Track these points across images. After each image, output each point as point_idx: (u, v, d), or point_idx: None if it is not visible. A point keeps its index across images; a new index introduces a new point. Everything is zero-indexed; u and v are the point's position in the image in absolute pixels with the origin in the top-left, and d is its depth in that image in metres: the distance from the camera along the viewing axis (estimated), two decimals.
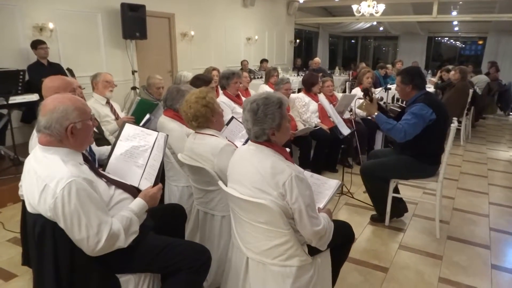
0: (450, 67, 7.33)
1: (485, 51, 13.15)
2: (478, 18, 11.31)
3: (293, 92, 5.06)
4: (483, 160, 5.24)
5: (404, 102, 3.20)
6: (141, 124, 3.02)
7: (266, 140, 1.67)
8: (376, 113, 2.96)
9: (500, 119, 8.47)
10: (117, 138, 1.91)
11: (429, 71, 10.93)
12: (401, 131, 2.77)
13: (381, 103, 3.32)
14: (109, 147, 2.14)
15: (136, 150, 1.83)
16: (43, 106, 1.48)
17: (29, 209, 1.50)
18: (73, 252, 1.45)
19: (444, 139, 2.92)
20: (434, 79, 7.66)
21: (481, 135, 6.83)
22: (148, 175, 1.76)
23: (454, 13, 11.97)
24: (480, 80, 7.31)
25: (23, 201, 1.66)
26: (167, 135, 1.80)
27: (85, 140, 1.57)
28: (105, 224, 1.44)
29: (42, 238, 1.46)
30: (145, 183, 1.76)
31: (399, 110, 3.10)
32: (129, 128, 1.90)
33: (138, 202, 1.63)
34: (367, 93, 3.03)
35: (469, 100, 5.90)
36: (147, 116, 3.02)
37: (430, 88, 6.86)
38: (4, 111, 4.06)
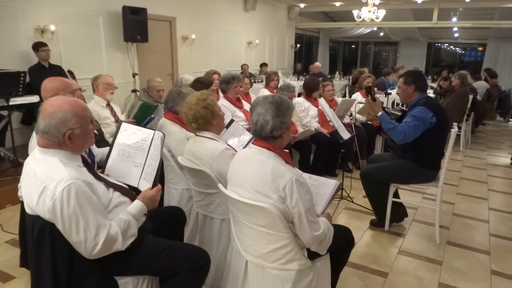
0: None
1: (485, 58, 13.20)
2: (477, 24, 11.36)
3: (294, 97, 5.06)
4: (482, 165, 5.24)
5: (405, 106, 3.20)
6: (143, 123, 3.03)
7: (279, 136, 1.67)
8: (380, 112, 2.96)
9: (499, 125, 8.48)
10: (114, 138, 1.90)
11: (429, 77, 10.95)
12: (401, 133, 2.77)
13: None
14: None
15: (134, 149, 1.82)
16: (43, 109, 1.47)
17: (27, 210, 1.49)
18: (71, 254, 1.45)
19: (444, 143, 2.92)
20: (435, 85, 7.67)
21: (480, 141, 6.83)
22: (146, 175, 1.75)
23: (454, 19, 12.04)
24: (480, 86, 7.33)
25: (22, 203, 1.66)
26: (164, 134, 1.79)
27: (84, 144, 1.57)
28: (103, 227, 1.43)
29: (41, 240, 1.45)
30: (144, 183, 1.75)
31: (400, 114, 3.11)
32: (125, 128, 1.90)
33: (136, 205, 1.62)
34: (369, 91, 3.03)
35: (469, 106, 5.92)
36: (150, 116, 3.05)
37: (429, 94, 6.87)
38: (5, 113, 4.06)
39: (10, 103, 3.75)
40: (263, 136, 1.68)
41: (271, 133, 1.65)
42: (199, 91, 2.33)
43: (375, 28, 13.98)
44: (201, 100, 2.16)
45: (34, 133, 1.99)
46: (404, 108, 3.22)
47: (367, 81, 5.08)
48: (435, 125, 2.75)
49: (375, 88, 4.71)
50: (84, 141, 1.55)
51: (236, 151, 2.05)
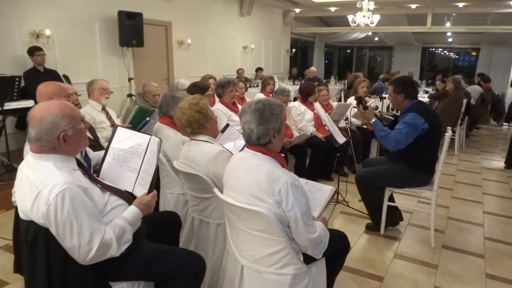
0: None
1: (478, 62, 13.32)
2: (471, 29, 11.49)
3: (289, 101, 5.08)
4: (477, 169, 5.28)
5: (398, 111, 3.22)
6: (139, 126, 3.03)
7: (268, 142, 1.67)
8: (373, 120, 2.98)
9: (493, 129, 8.56)
10: (109, 142, 1.88)
11: (423, 81, 11.04)
12: (394, 140, 2.79)
13: (377, 112, 3.35)
14: None
15: (129, 154, 1.81)
16: (32, 117, 1.44)
17: (21, 215, 1.48)
18: (65, 260, 1.44)
19: (437, 148, 2.94)
20: (430, 90, 7.73)
21: (475, 145, 6.88)
22: (142, 180, 1.74)
23: (448, 24, 12.17)
24: (473, 90, 7.41)
25: (16, 208, 1.65)
26: (161, 140, 1.78)
27: (79, 144, 1.56)
28: (97, 232, 1.42)
29: (35, 245, 1.44)
30: (139, 189, 1.74)
31: (393, 118, 3.13)
32: (121, 132, 1.88)
33: (132, 210, 1.61)
34: (360, 101, 3.05)
35: (463, 110, 5.97)
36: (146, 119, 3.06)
37: (424, 98, 6.93)
38: None
39: (5, 108, 3.74)
40: (252, 143, 1.70)
41: (258, 141, 1.67)
42: (191, 95, 2.33)
43: (370, 33, 14.09)
44: (194, 105, 2.16)
45: None
46: (396, 113, 3.24)
47: (362, 85, 5.11)
48: (427, 131, 2.77)
49: (366, 97, 4.74)
50: (79, 141, 1.54)
51: (232, 154, 2.05)
